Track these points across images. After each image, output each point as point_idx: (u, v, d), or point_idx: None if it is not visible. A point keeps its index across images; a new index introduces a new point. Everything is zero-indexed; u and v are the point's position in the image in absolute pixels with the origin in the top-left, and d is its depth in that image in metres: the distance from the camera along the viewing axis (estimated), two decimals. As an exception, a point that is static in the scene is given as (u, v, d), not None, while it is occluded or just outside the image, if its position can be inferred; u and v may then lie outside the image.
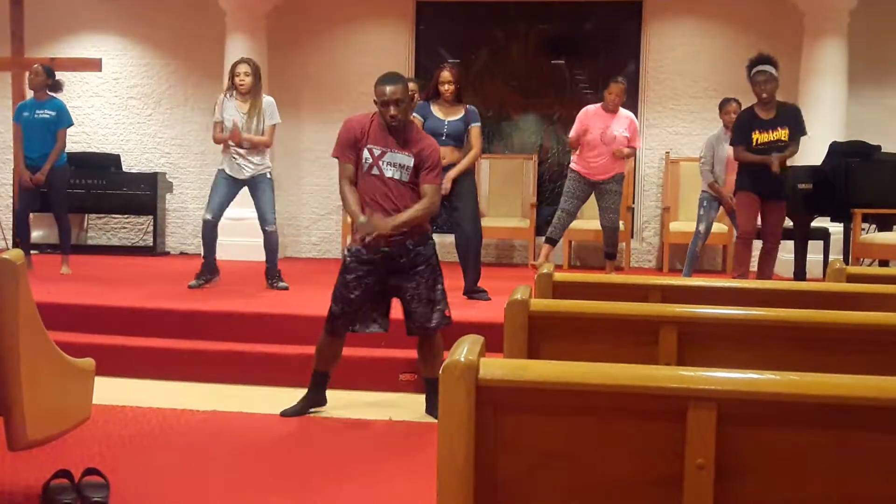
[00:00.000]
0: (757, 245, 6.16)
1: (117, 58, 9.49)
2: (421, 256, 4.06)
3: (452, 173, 5.71)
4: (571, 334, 2.42)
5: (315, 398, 4.23)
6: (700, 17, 8.81)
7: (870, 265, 6.82)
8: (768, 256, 6.01)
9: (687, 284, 3.19)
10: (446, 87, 5.83)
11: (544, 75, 9.15)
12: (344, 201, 4.11)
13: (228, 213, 6.41)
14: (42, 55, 9.04)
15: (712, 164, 6.90)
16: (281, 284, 6.29)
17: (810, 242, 6.96)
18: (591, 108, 6.88)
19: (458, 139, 5.86)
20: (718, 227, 6.94)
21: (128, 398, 4.35)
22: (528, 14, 9.09)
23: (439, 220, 6.18)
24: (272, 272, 6.34)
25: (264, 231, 6.27)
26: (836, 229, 7.21)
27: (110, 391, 4.14)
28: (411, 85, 6.63)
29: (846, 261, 6.63)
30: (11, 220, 8.77)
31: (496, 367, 1.55)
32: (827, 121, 7.81)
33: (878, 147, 7.11)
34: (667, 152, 8.74)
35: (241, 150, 6.12)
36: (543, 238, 6.98)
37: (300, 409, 4.18)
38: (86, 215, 9.59)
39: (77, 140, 9.57)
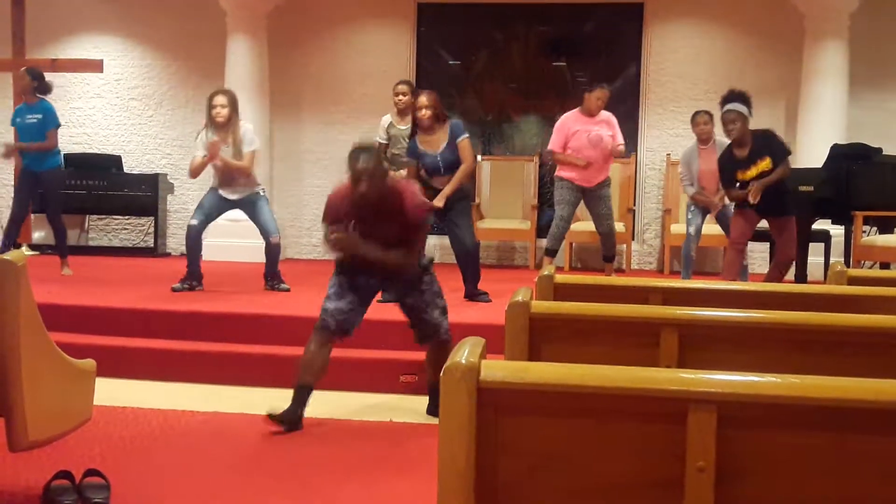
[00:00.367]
0: (757, 248, 6.17)
1: (118, 59, 9.49)
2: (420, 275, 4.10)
3: (447, 191, 5.74)
4: (572, 336, 2.42)
5: (296, 416, 3.97)
6: (701, 20, 8.82)
7: (871, 268, 6.82)
8: (777, 271, 6.01)
9: (688, 287, 3.19)
10: (423, 111, 5.76)
11: (545, 77, 9.15)
12: None
13: (227, 214, 6.41)
14: (43, 56, 9.07)
15: (691, 180, 6.90)
16: (282, 286, 6.29)
17: (811, 245, 6.96)
18: (568, 115, 6.91)
19: (456, 165, 5.84)
20: (718, 229, 6.94)
21: (129, 399, 4.35)
22: (528, 16, 9.09)
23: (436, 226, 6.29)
24: (272, 275, 6.34)
25: (268, 242, 6.26)
26: (837, 232, 7.21)
27: (111, 392, 4.14)
28: (404, 87, 6.66)
29: (847, 263, 6.63)
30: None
31: (497, 369, 1.55)
32: (827, 123, 7.81)
33: (879, 149, 7.10)
34: (668, 154, 8.74)
35: (227, 180, 6.13)
36: (544, 250, 7.00)
37: (284, 420, 3.95)
38: (87, 216, 9.59)
39: (78, 141, 9.60)
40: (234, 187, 6.19)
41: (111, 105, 9.63)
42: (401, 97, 6.57)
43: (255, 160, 6.32)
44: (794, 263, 6.27)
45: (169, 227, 9.48)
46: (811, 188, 6.71)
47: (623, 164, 8.69)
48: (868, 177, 6.62)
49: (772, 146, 5.83)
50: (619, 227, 8.15)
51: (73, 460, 3.25)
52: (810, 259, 7.00)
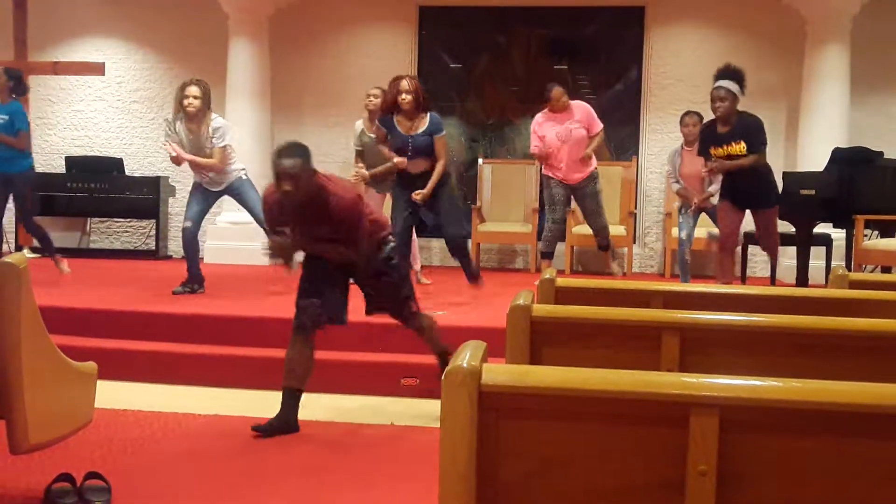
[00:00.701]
0: (758, 250, 6.17)
1: (120, 62, 9.50)
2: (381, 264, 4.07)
3: (426, 191, 5.84)
4: (573, 340, 2.41)
5: (290, 419, 3.95)
6: (702, 23, 8.82)
7: (872, 271, 6.81)
8: (770, 255, 6.07)
9: (689, 290, 3.18)
10: (403, 97, 5.82)
11: (546, 80, 9.10)
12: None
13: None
14: (45, 59, 9.09)
15: (677, 177, 6.92)
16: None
17: (812, 248, 6.96)
18: (538, 116, 6.95)
19: (426, 152, 5.89)
20: (716, 231, 6.94)
21: (130, 402, 4.35)
22: (530, 19, 9.10)
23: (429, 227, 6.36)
24: None
25: (259, 222, 6.23)
26: (838, 235, 7.21)
27: (112, 395, 4.15)
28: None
29: (848, 267, 6.62)
30: (14, 224, 8.79)
31: (498, 373, 1.55)
32: (829, 126, 7.81)
33: (881, 153, 7.10)
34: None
35: (203, 173, 6.10)
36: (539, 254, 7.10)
37: (269, 430, 3.90)
38: (88, 219, 9.60)
39: (80, 144, 9.60)
40: (214, 178, 6.15)
41: (113, 108, 9.64)
42: (371, 98, 6.59)
43: (227, 156, 6.13)
44: (777, 256, 6.29)
45: (170, 230, 9.47)
46: (813, 192, 6.71)
47: (624, 167, 8.70)
48: (869, 180, 6.61)
49: (750, 132, 5.75)
50: (620, 230, 8.17)
51: (74, 463, 3.25)
52: (812, 263, 6.99)
